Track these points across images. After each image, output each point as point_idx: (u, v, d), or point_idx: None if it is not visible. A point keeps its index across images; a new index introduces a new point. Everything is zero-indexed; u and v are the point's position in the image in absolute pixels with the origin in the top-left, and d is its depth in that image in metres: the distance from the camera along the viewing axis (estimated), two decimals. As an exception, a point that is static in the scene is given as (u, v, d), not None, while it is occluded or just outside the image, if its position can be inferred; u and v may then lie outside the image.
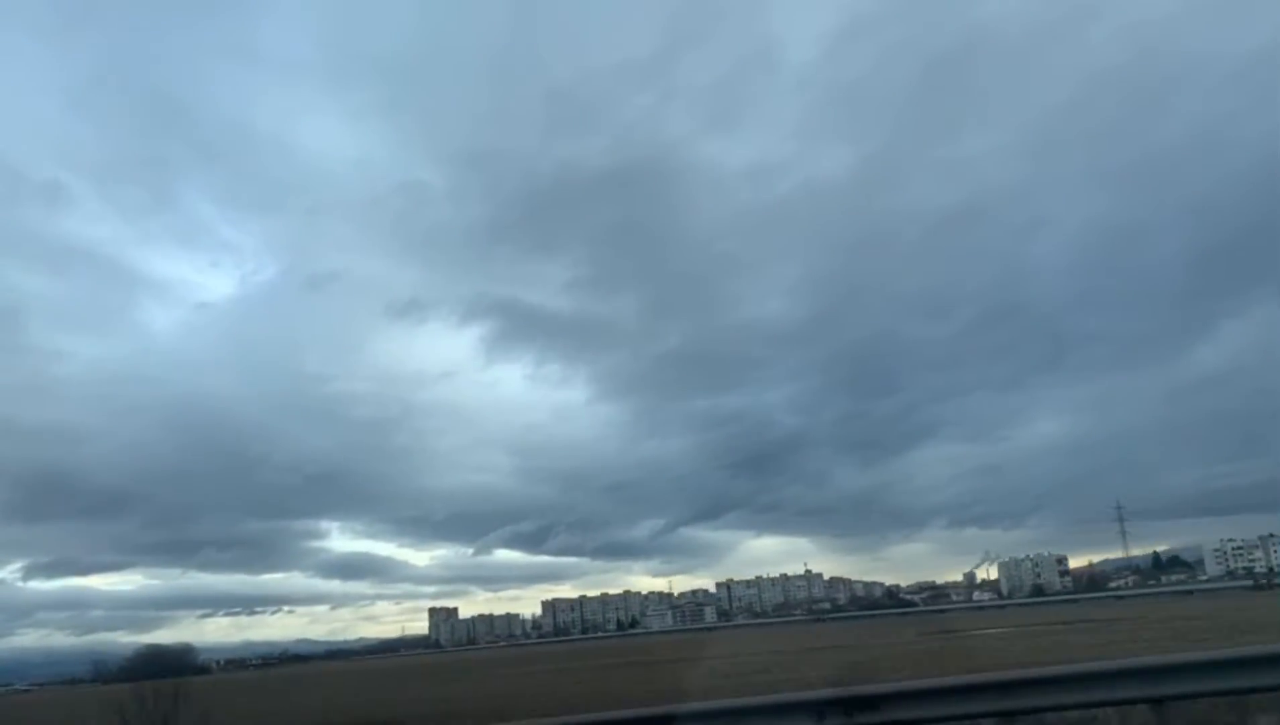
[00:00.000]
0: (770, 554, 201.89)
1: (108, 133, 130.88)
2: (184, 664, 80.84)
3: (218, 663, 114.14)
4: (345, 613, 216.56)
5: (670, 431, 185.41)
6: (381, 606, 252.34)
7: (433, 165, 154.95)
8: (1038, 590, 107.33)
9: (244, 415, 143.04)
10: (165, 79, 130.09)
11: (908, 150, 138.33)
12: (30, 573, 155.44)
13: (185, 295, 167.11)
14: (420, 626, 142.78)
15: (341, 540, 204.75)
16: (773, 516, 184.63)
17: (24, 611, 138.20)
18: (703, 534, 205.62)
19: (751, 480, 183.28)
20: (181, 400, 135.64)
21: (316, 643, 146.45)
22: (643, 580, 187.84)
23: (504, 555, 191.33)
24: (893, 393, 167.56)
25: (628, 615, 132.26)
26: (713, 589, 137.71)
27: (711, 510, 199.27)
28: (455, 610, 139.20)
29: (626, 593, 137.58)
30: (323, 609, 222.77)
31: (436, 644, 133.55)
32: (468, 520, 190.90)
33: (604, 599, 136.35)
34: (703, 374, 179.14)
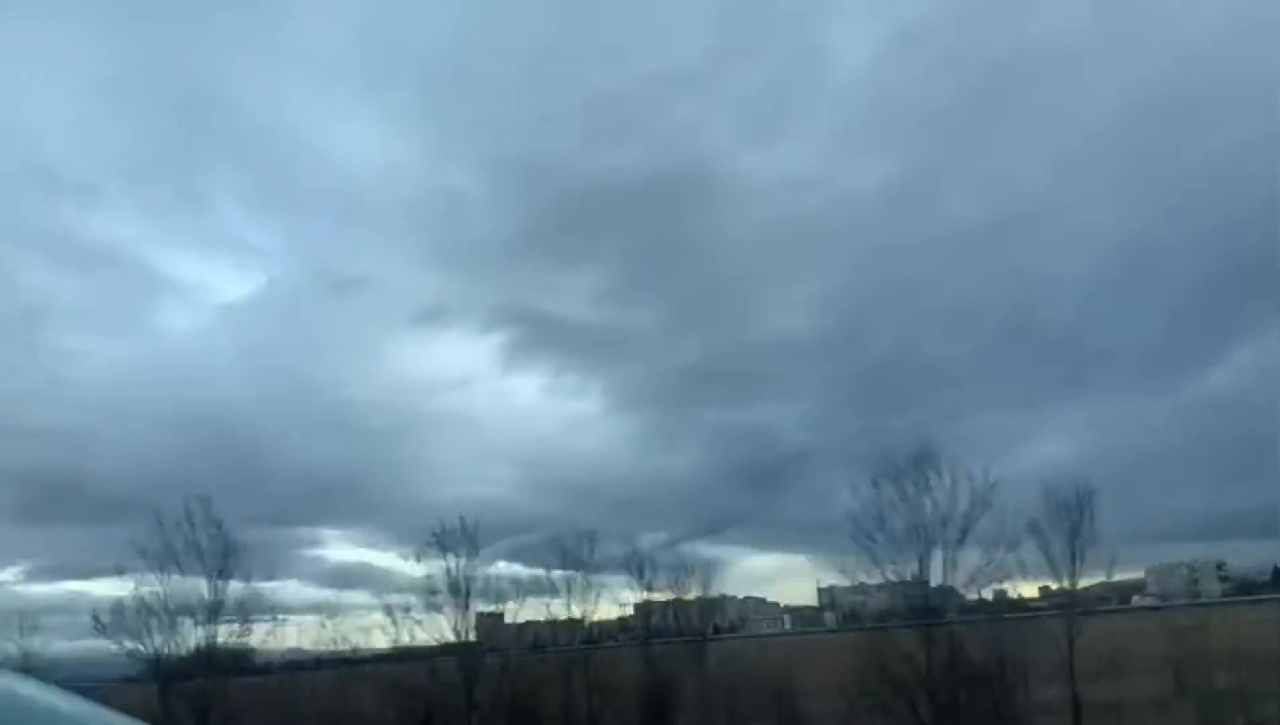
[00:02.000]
0: (766, 571, 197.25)
1: (135, 130, 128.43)
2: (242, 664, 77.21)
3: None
4: (337, 623, 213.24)
5: (680, 446, 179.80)
6: (377, 616, 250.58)
7: (466, 172, 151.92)
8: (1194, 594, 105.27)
9: (254, 422, 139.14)
10: (195, 76, 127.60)
11: (942, 165, 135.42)
12: (33, 576, 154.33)
13: (205, 298, 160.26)
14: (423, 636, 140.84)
15: (340, 549, 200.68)
16: (773, 533, 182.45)
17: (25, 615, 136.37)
18: (701, 550, 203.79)
19: (756, 496, 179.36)
20: (192, 404, 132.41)
21: (307, 653, 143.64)
22: (634, 595, 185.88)
23: (501, 568, 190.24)
24: (905, 410, 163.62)
25: (723, 620, 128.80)
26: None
27: (713, 526, 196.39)
28: (502, 616, 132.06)
29: (723, 596, 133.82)
30: (316, 618, 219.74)
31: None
32: (469, 532, 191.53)
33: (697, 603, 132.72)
34: (718, 388, 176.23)
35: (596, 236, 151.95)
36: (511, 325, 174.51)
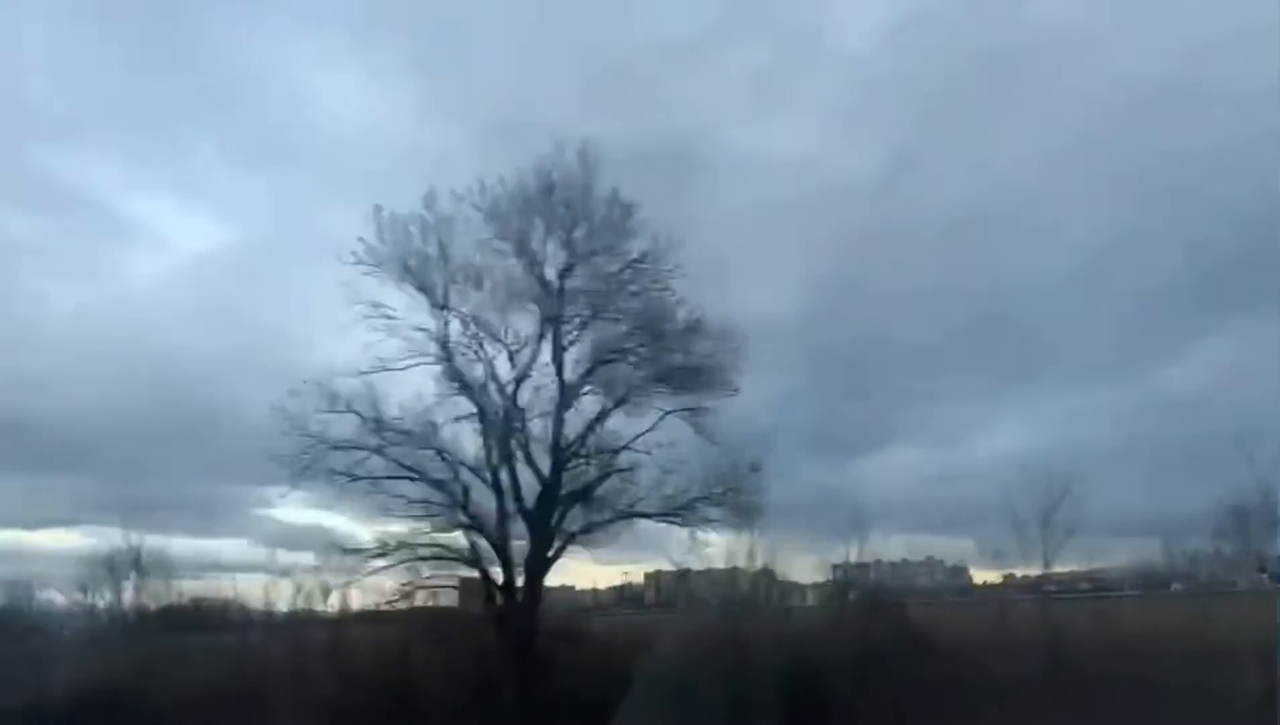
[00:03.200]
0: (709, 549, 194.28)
1: (111, 71, 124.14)
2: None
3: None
4: (285, 584, 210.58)
5: (641, 428, 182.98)
6: (324, 578, 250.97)
7: (456, 136, 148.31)
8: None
9: (217, 375, 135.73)
10: (176, 17, 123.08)
11: (935, 151, 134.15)
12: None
13: (176, 246, 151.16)
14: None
15: (291, 509, 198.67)
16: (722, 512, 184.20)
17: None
18: (647, 526, 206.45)
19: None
20: (155, 355, 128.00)
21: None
22: (584, 567, 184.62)
23: (447, 536, 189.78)
24: (867, 396, 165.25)
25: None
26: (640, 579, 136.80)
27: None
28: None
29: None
30: (265, 579, 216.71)
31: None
32: (423, 496, 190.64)
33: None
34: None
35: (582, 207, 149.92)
36: (484, 291, 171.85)
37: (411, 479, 19.98)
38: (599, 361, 20.41)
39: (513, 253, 20.20)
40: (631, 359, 20.47)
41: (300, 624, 21.17)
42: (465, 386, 20.00)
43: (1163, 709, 14.32)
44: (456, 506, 20.00)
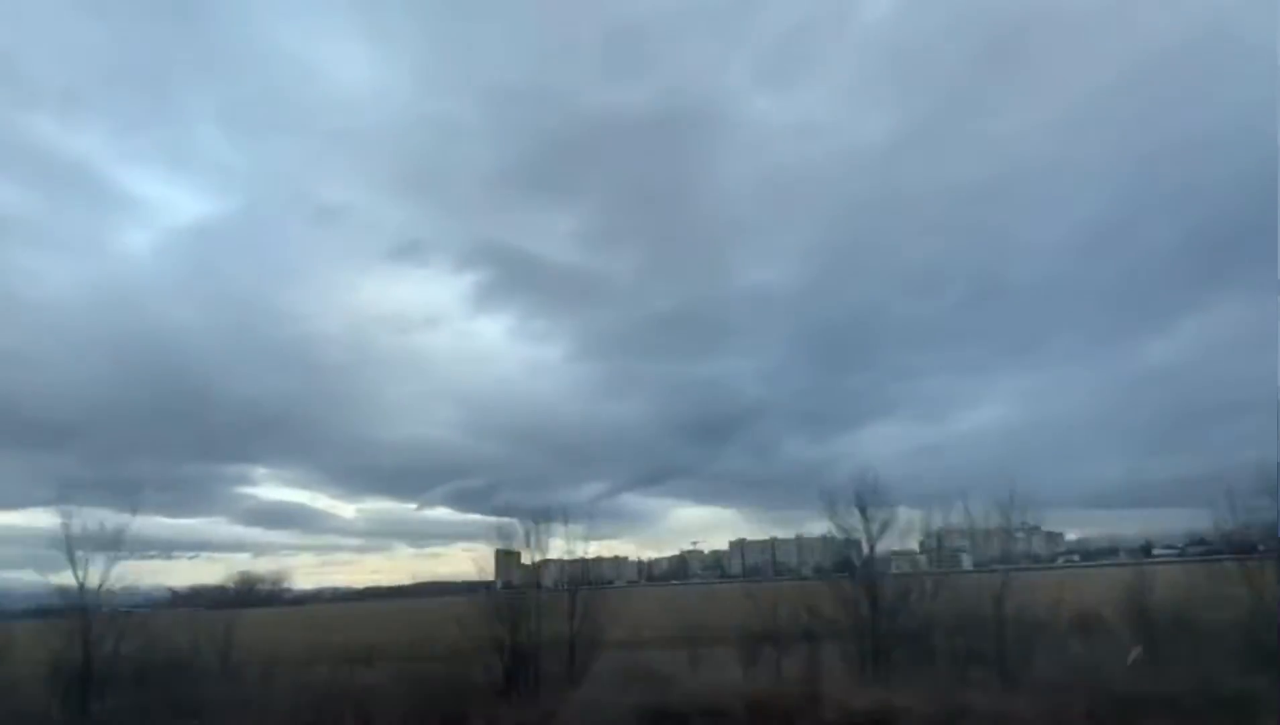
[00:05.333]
0: (695, 524, 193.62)
1: (111, 39, 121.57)
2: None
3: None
4: (264, 562, 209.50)
5: (637, 395, 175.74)
6: (304, 557, 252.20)
7: (463, 100, 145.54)
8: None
9: (205, 350, 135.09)
10: None
11: (948, 121, 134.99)
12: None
13: (170, 219, 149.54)
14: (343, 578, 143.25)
15: (271, 487, 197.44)
16: (710, 486, 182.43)
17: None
18: (638, 501, 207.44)
19: (702, 448, 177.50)
20: (144, 330, 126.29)
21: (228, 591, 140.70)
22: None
23: (436, 513, 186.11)
24: (860, 368, 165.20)
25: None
26: (632, 558, 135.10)
27: (654, 477, 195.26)
28: (518, 555, 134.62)
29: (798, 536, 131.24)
30: (243, 557, 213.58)
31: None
32: (409, 474, 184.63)
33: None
34: (685, 338, 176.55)
35: (590, 175, 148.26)
36: (487, 264, 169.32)
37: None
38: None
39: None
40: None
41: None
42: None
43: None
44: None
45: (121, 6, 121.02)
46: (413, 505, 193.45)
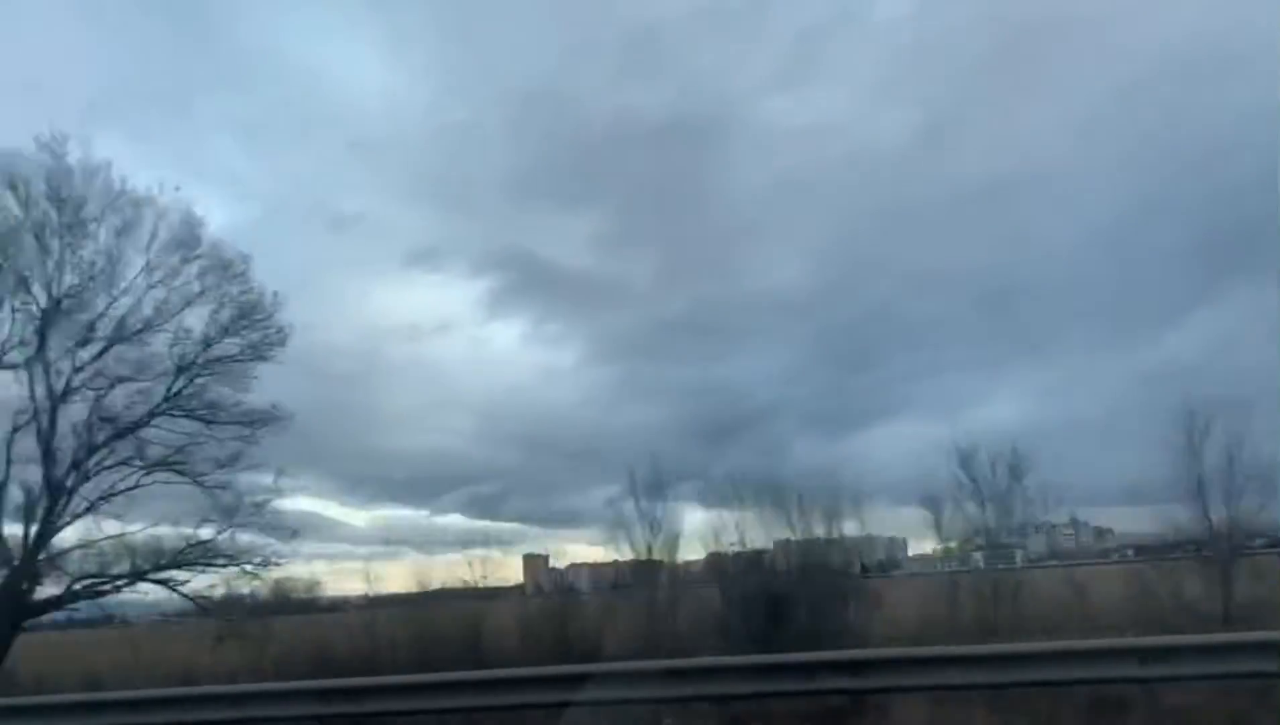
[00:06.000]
0: (704, 527, 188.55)
1: (129, 50, 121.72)
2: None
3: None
4: (277, 572, 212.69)
5: (649, 399, 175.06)
6: (316, 566, 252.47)
7: (480, 105, 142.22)
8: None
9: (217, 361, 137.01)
10: None
11: (965, 120, 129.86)
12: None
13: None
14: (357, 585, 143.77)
15: (283, 496, 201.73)
16: (720, 489, 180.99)
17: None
18: (649, 505, 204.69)
19: (713, 451, 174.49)
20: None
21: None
22: (581, 549, 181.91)
23: (448, 519, 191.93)
24: (873, 369, 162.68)
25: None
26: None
27: (665, 480, 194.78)
28: (546, 558, 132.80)
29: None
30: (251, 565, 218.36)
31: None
32: (420, 482, 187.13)
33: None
34: (700, 342, 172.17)
35: (605, 179, 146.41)
36: (501, 270, 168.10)
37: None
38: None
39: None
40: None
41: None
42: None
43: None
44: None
45: (140, 20, 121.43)
46: (425, 512, 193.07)
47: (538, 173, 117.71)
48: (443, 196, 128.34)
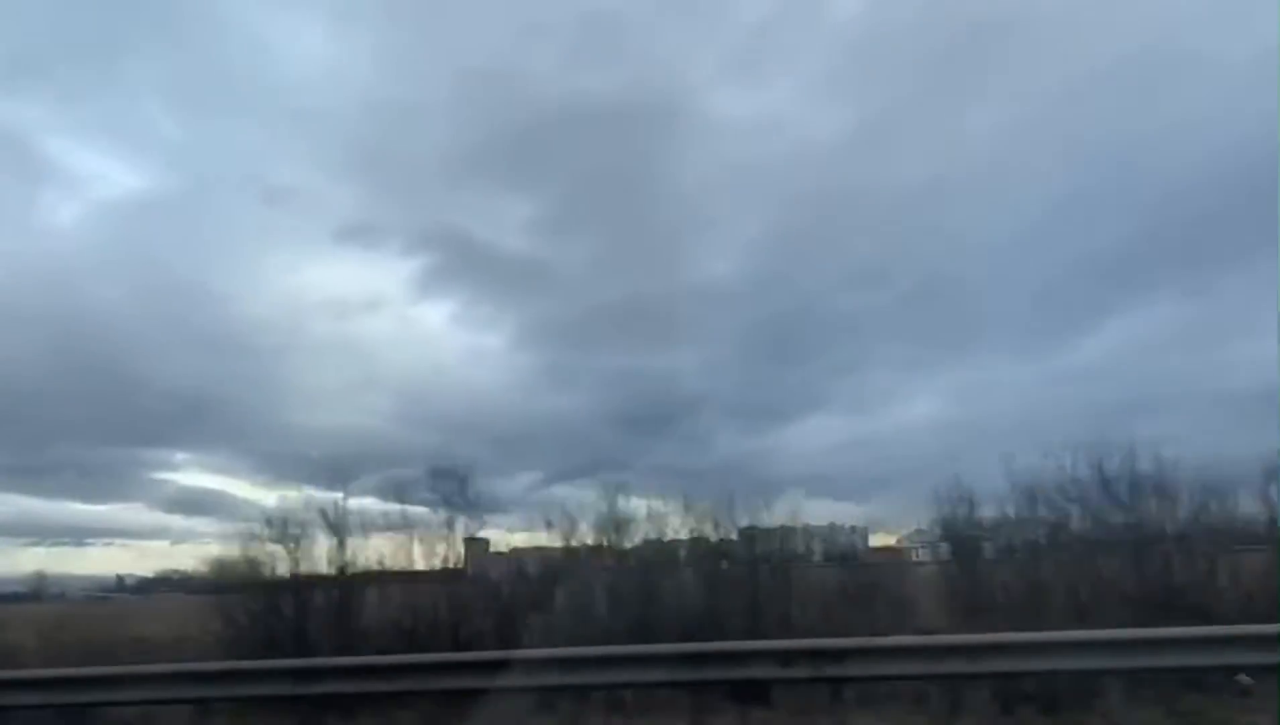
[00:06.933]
0: (631, 515, 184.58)
1: (57, 6, 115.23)
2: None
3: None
4: (181, 550, 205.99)
5: (576, 386, 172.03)
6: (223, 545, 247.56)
7: (426, 82, 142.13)
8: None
9: (131, 331, 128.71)
10: None
11: (909, 118, 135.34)
12: None
13: (105, 194, 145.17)
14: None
15: (190, 473, 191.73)
16: (642, 478, 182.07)
17: None
18: (570, 492, 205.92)
19: (637, 440, 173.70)
20: (70, 309, 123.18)
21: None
22: (494, 535, 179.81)
23: (362, 502, 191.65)
24: (799, 363, 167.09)
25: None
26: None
27: (587, 468, 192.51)
28: (487, 543, 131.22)
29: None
30: (161, 545, 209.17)
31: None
32: (336, 463, 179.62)
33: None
34: (630, 330, 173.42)
35: (548, 163, 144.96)
36: (435, 249, 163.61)
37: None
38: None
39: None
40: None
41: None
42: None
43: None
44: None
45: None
46: (339, 494, 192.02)
47: (479, 153, 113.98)
48: (381, 173, 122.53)
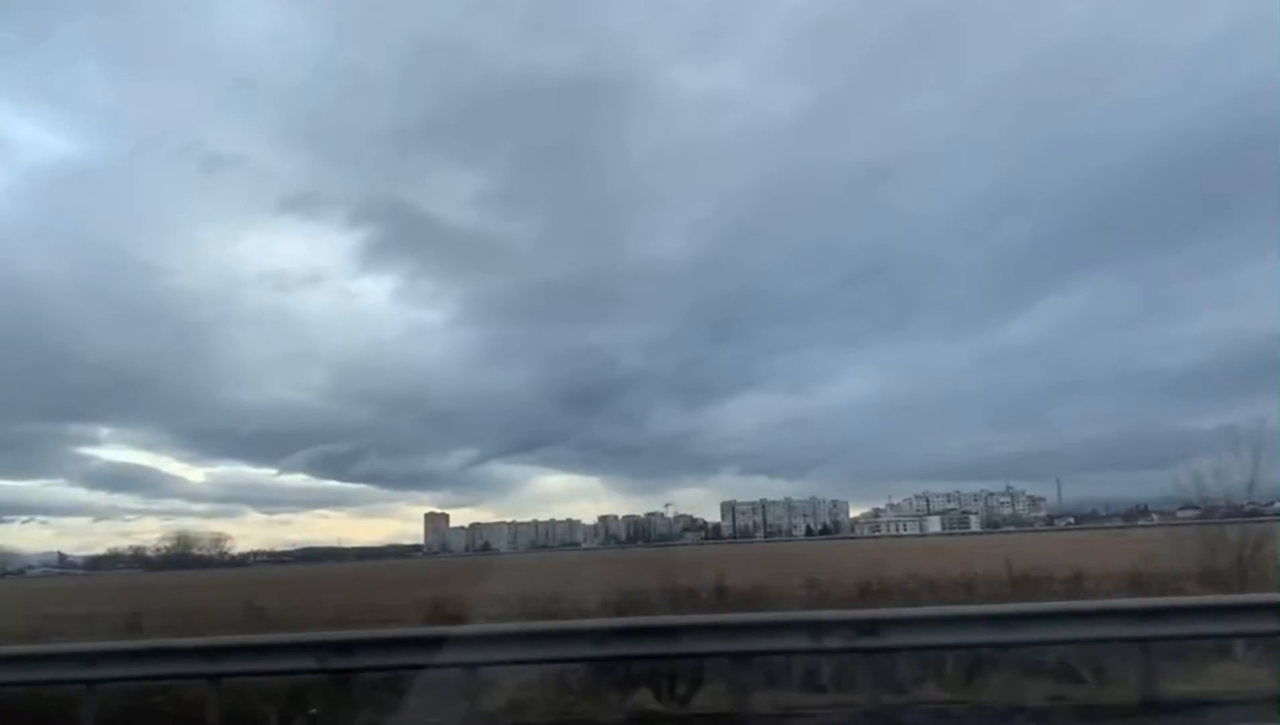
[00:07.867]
0: (558, 491, 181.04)
1: None
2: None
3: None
4: (104, 527, 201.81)
5: (517, 362, 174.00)
6: (148, 522, 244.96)
7: (374, 51, 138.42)
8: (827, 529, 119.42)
9: (58, 304, 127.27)
10: None
11: (858, 100, 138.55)
12: None
13: (34, 159, 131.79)
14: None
15: (114, 449, 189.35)
16: (579, 454, 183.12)
17: None
18: (505, 469, 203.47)
19: (575, 417, 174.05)
20: None
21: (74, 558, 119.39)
22: (431, 512, 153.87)
23: (293, 479, 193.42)
24: (740, 341, 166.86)
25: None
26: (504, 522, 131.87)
27: (525, 445, 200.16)
28: (447, 517, 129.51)
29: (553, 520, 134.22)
30: (83, 522, 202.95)
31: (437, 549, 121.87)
32: (268, 439, 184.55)
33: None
34: (574, 307, 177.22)
35: (500, 136, 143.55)
36: (379, 222, 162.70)
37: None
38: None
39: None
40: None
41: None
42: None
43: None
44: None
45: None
46: (271, 471, 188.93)
47: (428, 125, 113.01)
48: (325, 143, 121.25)
